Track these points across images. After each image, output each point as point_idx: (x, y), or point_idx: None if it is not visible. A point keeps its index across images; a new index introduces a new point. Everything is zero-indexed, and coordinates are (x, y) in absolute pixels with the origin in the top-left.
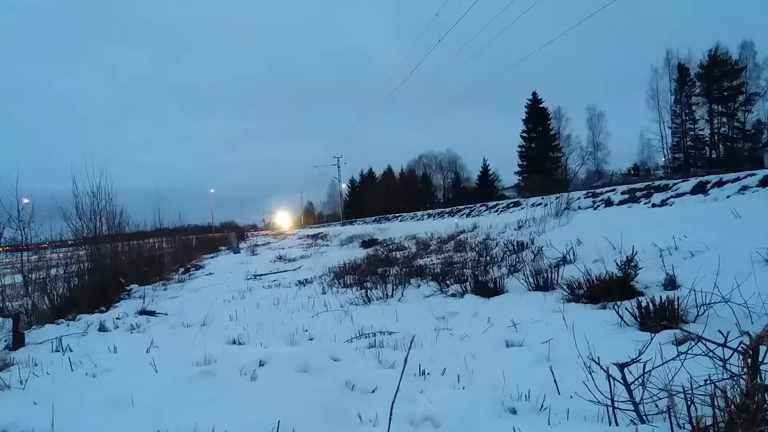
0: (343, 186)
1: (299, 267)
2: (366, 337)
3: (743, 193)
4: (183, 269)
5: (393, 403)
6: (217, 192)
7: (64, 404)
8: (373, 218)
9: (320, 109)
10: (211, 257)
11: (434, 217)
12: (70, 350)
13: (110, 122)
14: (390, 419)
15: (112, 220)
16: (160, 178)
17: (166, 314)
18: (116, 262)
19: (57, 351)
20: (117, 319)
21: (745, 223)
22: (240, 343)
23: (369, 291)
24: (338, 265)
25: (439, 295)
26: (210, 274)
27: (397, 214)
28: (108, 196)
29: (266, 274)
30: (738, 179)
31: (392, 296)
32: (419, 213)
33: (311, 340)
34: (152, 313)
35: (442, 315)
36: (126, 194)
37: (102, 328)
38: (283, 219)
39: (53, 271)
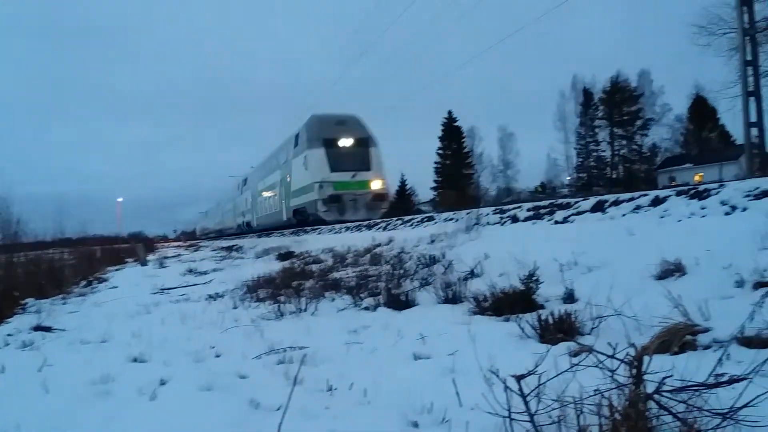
0: None
1: (210, 280)
2: (276, 353)
3: (637, 212)
4: (85, 282)
5: (280, 424)
6: (129, 201)
7: None
8: (291, 230)
9: (245, 118)
10: (117, 269)
11: (352, 230)
12: None
13: (22, 125)
14: None
15: (7, 229)
16: (69, 186)
17: (63, 330)
18: (11, 274)
19: None
20: (8, 335)
21: (638, 240)
22: (142, 361)
23: (282, 305)
24: (252, 279)
25: (353, 309)
26: (114, 287)
27: (315, 227)
28: (4, 203)
29: (175, 288)
30: (632, 199)
31: (306, 310)
32: (337, 225)
33: (218, 357)
34: (48, 329)
35: (355, 329)
36: (30, 202)
37: None
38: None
39: None
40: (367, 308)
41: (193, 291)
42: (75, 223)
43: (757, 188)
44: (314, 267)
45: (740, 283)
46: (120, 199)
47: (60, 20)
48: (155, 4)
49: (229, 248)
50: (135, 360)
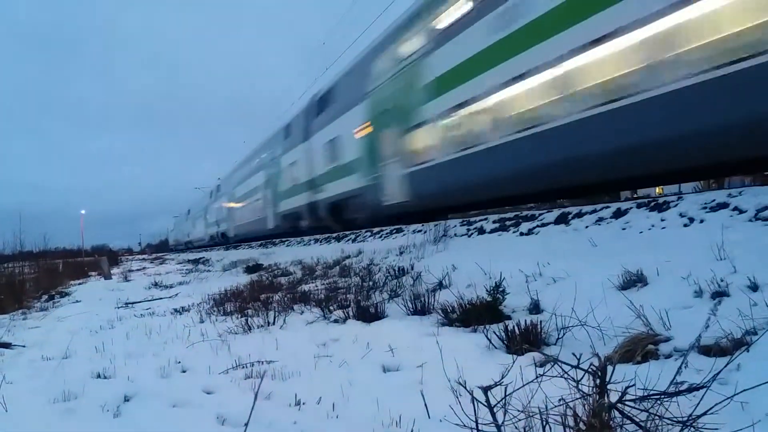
0: None
1: (176, 294)
2: (243, 367)
3: (599, 224)
4: (47, 297)
5: None
6: (93, 214)
7: None
8: (260, 242)
9: (210, 131)
10: (80, 283)
11: (321, 242)
12: None
13: None
14: None
15: None
16: (30, 198)
17: (23, 346)
18: None
19: None
20: None
21: (600, 251)
22: (105, 377)
23: (250, 319)
24: (219, 292)
25: (322, 322)
26: (77, 301)
27: (284, 239)
28: None
29: (139, 302)
30: (595, 211)
31: (274, 324)
32: (306, 237)
33: (184, 372)
34: (7, 345)
35: (324, 342)
36: None
37: None
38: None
39: None
40: (336, 321)
41: (158, 305)
42: (36, 236)
43: (713, 201)
44: (283, 280)
45: (699, 293)
46: (83, 212)
47: (21, 31)
48: (121, 17)
49: (196, 261)
50: (98, 376)
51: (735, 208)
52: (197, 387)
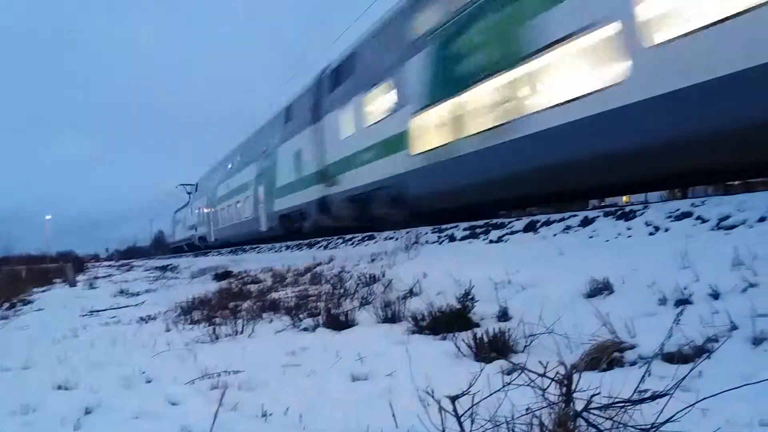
0: None
1: (143, 302)
2: (210, 377)
3: (567, 232)
4: (8, 304)
5: None
6: (58, 219)
7: None
8: (230, 249)
9: (182, 137)
10: (44, 291)
11: (292, 248)
12: None
13: None
14: None
15: None
16: None
17: None
18: None
19: None
20: None
21: (568, 259)
22: (67, 388)
23: (218, 327)
24: (186, 300)
25: (291, 330)
26: (40, 309)
27: (254, 245)
28: None
29: (105, 310)
30: (563, 219)
31: (242, 332)
32: (277, 244)
33: (149, 382)
34: None
35: (293, 350)
36: None
37: None
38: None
39: None
40: (306, 329)
41: (124, 313)
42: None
43: (678, 210)
44: (252, 287)
45: (663, 301)
46: (48, 217)
47: None
48: (89, 17)
49: (164, 267)
50: (59, 387)
51: (698, 217)
52: (162, 398)
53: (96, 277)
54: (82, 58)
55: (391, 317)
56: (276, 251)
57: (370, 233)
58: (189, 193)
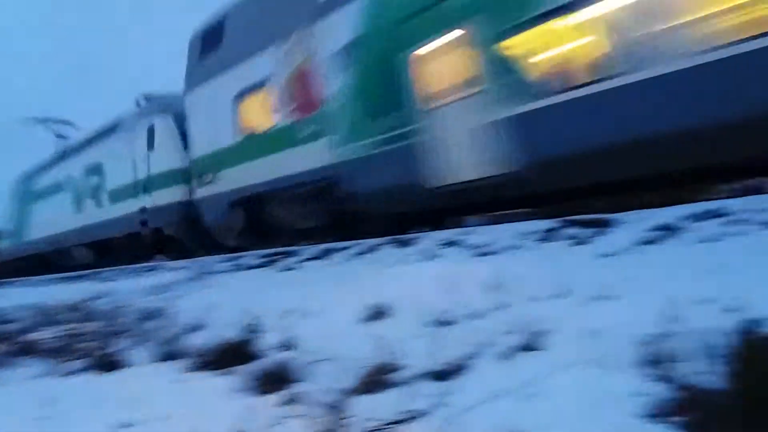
0: None
1: None
2: None
3: (355, 259)
4: None
5: None
6: None
7: None
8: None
9: None
10: None
11: (62, 282)
12: None
13: None
14: None
15: None
16: None
17: None
18: None
19: None
20: None
21: (352, 286)
22: None
23: None
24: None
25: (51, 376)
26: None
27: (13, 279)
28: None
29: None
30: (352, 247)
31: None
32: (45, 277)
33: None
34: None
35: (51, 398)
36: None
37: None
38: None
39: None
40: (70, 373)
41: None
42: None
43: (449, 239)
44: (7, 327)
45: (428, 323)
46: None
47: None
48: None
49: None
50: None
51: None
52: None
53: None
54: None
55: (171, 354)
56: (44, 285)
57: (154, 264)
58: None
